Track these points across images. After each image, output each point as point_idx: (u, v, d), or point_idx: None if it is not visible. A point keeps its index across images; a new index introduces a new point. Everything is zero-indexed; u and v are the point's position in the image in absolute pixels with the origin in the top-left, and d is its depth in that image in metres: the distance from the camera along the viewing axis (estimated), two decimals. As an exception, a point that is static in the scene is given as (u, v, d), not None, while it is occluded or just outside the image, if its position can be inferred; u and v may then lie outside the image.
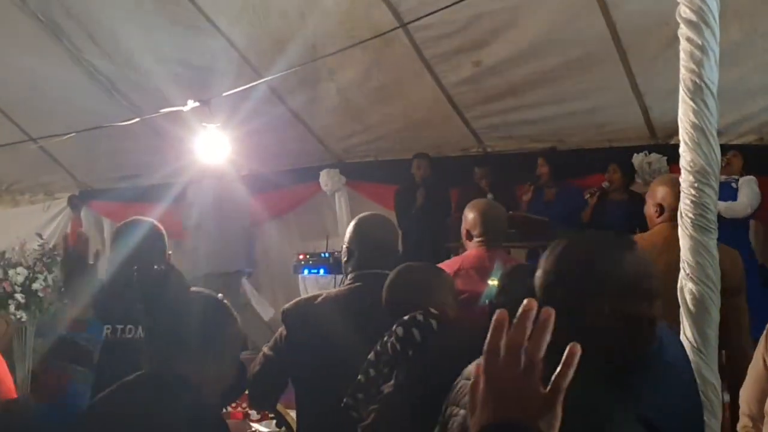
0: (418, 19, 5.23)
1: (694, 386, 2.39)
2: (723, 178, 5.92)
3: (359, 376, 2.56)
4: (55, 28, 6.99)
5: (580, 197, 6.92)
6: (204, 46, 6.69)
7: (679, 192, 3.28)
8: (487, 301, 2.00)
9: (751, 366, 2.78)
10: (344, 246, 3.10)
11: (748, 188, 6.10)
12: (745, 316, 3.61)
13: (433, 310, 2.58)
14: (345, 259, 3.08)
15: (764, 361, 2.71)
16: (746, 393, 2.77)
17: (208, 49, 6.68)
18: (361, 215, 3.21)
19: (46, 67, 7.31)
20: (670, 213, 3.58)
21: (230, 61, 6.62)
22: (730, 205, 5.96)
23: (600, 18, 5.62)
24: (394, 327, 2.56)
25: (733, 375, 3.35)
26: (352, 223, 3.12)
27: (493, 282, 1.90)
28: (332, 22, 6.12)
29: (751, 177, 6.15)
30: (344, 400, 2.52)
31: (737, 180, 6.13)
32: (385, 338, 2.57)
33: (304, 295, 3.20)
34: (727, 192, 5.88)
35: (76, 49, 7.21)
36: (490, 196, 6.93)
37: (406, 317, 2.56)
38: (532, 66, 6.40)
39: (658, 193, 3.75)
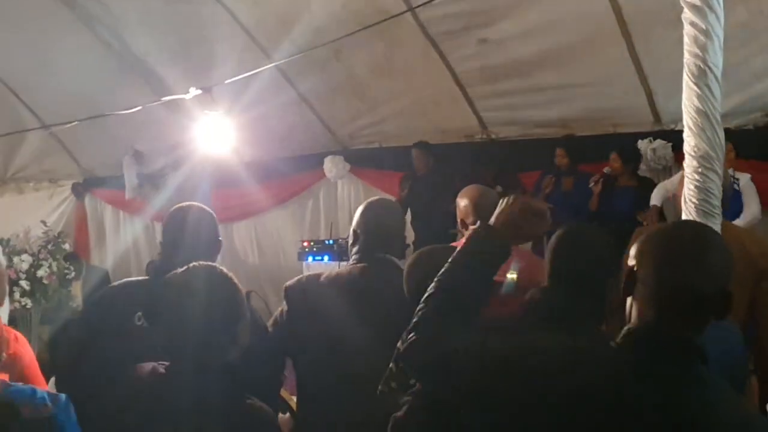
0: (425, 3, 5.20)
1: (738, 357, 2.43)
2: None
3: (390, 365, 2.54)
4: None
5: (586, 194, 6.90)
6: (208, 21, 6.64)
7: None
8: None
9: None
10: (351, 229, 3.09)
11: (752, 192, 6.06)
12: None
13: None
14: (351, 241, 3.08)
15: None
16: None
17: (212, 24, 6.64)
18: (370, 200, 3.18)
19: (53, 39, 7.32)
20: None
21: (235, 36, 6.57)
22: (748, 217, 5.96)
23: (606, 3, 5.61)
24: None
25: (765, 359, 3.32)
26: (361, 208, 3.11)
27: (512, 276, 1.87)
28: (337, 2, 6.09)
29: (747, 175, 6.08)
30: (379, 387, 2.50)
31: (737, 180, 6.05)
32: None
33: (306, 273, 3.18)
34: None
35: (88, 16, 7.18)
36: (499, 188, 6.94)
37: None
38: (537, 51, 6.38)
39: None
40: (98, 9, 7.10)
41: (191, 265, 2.22)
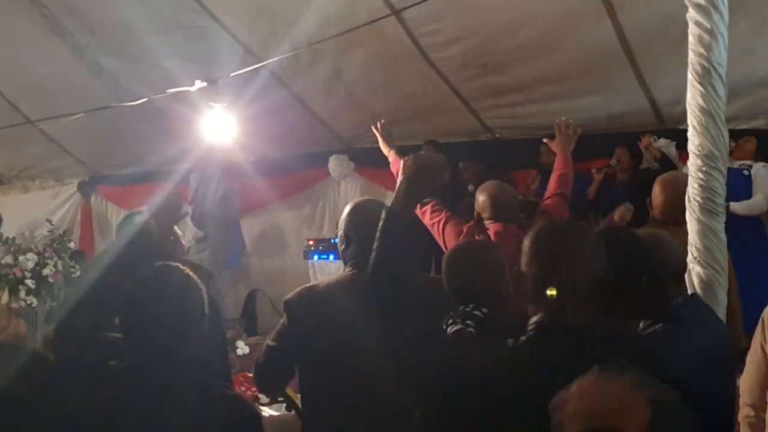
0: (408, 7, 5.20)
1: (723, 354, 2.47)
2: (737, 164, 5.89)
3: None
4: (57, 27, 6.95)
5: (585, 181, 6.96)
6: (209, 41, 6.67)
7: (668, 192, 3.38)
8: None
9: (749, 354, 2.80)
10: (340, 233, 3.01)
11: (763, 182, 5.96)
12: (737, 297, 3.60)
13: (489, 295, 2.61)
14: (343, 246, 2.99)
15: (762, 349, 2.73)
16: (747, 382, 2.79)
17: (213, 44, 6.66)
18: (356, 201, 3.10)
19: (51, 63, 7.32)
20: (657, 211, 3.71)
21: (234, 53, 6.61)
22: (747, 204, 5.88)
23: (605, 16, 5.63)
24: (448, 319, 2.57)
25: None
26: (347, 210, 3.01)
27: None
28: (332, 23, 6.10)
29: (765, 164, 6.06)
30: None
31: (750, 167, 6.02)
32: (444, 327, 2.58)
33: (305, 284, 3.14)
34: (739, 180, 5.76)
35: (80, 46, 7.19)
36: (471, 187, 7.01)
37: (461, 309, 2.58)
38: (539, 60, 6.38)
39: (653, 190, 3.82)
40: (86, 37, 7.12)
41: (155, 266, 2.34)
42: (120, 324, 2.30)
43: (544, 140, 4.47)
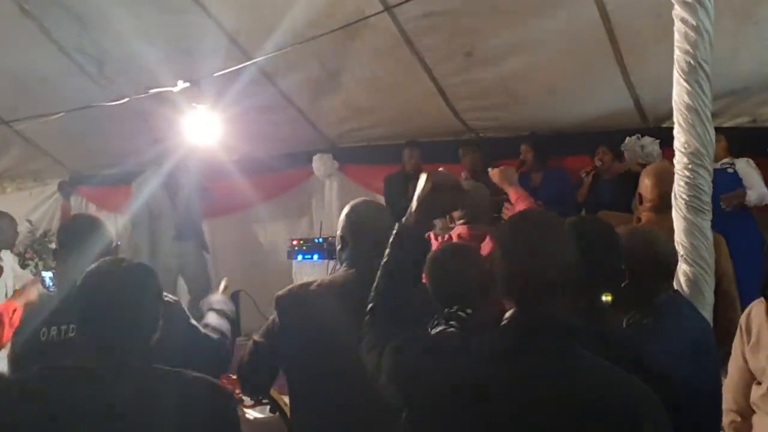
0: (401, 3, 5.20)
1: (708, 349, 2.47)
2: (718, 164, 5.89)
3: None
4: (40, 13, 6.85)
5: (568, 179, 6.98)
6: (193, 28, 6.61)
7: (660, 183, 3.34)
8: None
9: (731, 361, 2.83)
10: (337, 234, 3.02)
11: (755, 173, 5.93)
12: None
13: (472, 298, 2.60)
14: (339, 247, 3.00)
15: (743, 355, 2.76)
16: (730, 389, 2.82)
17: (196, 31, 6.61)
18: (354, 202, 3.10)
19: (30, 55, 7.22)
20: (650, 204, 3.57)
21: (219, 43, 6.56)
22: (761, 194, 5.91)
23: (593, 6, 5.62)
24: (433, 321, 2.57)
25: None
26: (345, 211, 3.02)
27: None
28: (320, 12, 6.07)
29: (747, 159, 6.06)
30: None
31: (733, 164, 6.03)
32: (429, 328, 2.58)
33: (297, 282, 3.12)
34: (726, 178, 5.71)
35: (63, 34, 7.07)
36: (464, 174, 6.99)
37: (445, 310, 2.58)
38: (523, 54, 6.38)
39: (642, 182, 3.64)
40: (75, 29, 7.02)
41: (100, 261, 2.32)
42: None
43: (489, 170, 4.49)
